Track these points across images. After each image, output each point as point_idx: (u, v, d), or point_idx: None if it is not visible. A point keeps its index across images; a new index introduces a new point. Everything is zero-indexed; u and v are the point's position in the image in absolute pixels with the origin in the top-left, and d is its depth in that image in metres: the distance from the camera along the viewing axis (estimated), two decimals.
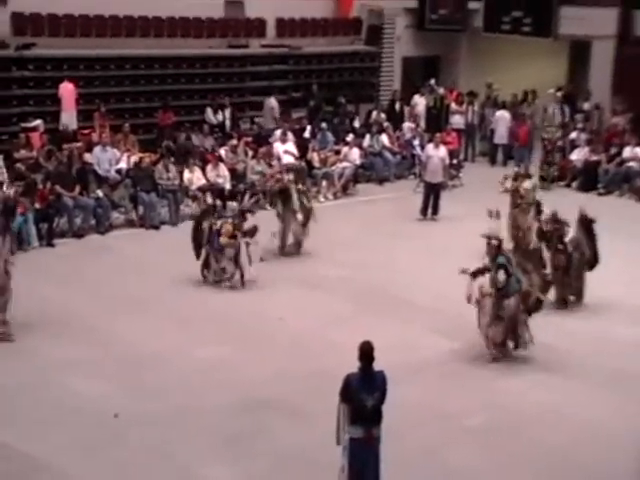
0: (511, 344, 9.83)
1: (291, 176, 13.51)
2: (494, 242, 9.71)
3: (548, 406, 8.78)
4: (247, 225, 11.96)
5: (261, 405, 8.61)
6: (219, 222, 11.89)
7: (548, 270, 9.96)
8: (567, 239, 11.19)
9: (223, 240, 11.71)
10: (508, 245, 9.95)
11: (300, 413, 8.42)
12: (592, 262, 11.15)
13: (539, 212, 12.86)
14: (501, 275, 9.53)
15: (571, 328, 10.68)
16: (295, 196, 13.03)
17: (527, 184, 13.09)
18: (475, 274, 9.67)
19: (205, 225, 11.95)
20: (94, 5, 17.51)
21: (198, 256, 11.96)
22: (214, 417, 8.37)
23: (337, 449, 6.84)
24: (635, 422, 8.44)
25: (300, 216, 12.98)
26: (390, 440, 6.88)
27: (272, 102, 19.06)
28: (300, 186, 13.33)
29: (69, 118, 16.56)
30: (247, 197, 14.49)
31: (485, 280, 9.72)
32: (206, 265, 11.96)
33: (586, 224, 11.24)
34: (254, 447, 7.91)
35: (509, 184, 13.17)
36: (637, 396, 8.99)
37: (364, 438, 6.74)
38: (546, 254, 10.88)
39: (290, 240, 13.24)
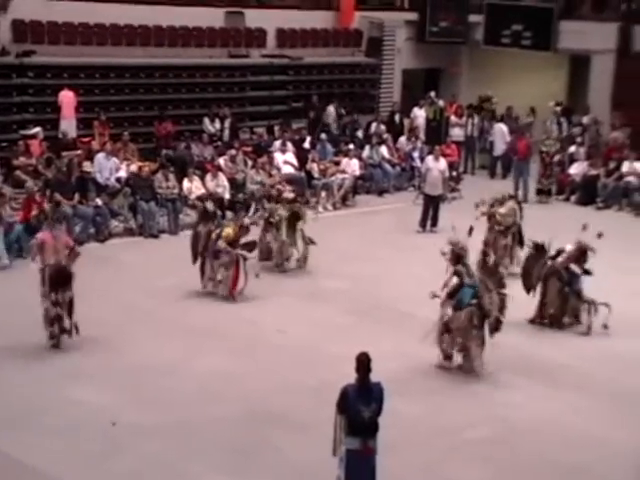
0: (459, 358, 9.79)
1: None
2: (456, 250, 9.73)
3: (547, 419, 8.76)
4: (245, 238, 11.90)
5: (263, 417, 8.58)
6: (219, 229, 11.82)
7: (506, 290, 9.94)
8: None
9: (221, 243, 11.63)
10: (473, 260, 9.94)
11: (302, 425, 8.38)
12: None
13: (520, 239, 12.89)
14: (454, 280, 9.61)
15: (570, 341, 10.70)
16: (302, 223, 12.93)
17: (503, 210, 12.99)
18: (451, 295, 9.68)
19: (202, 230, 11.86)
20: (94, 13, 17.57)
21: (194, 260, 11.90)
22: (215, 429, 8.33)
23: (335, 460, 6.81)
24: (636, 436, 8.41)
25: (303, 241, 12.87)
26: (387, 453, 6.86)
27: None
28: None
29: (68, 126, 16.57)
30: (252, 210, 14.08)
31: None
32: (202, 272, 11.89)
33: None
34: (256, 460, 7.87)
35: (485, 209, 13.08)
36: (637, 410, 8.97)
37: (360, 449, 6.71)
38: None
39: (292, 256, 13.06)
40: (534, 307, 11.24)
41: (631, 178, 17.53)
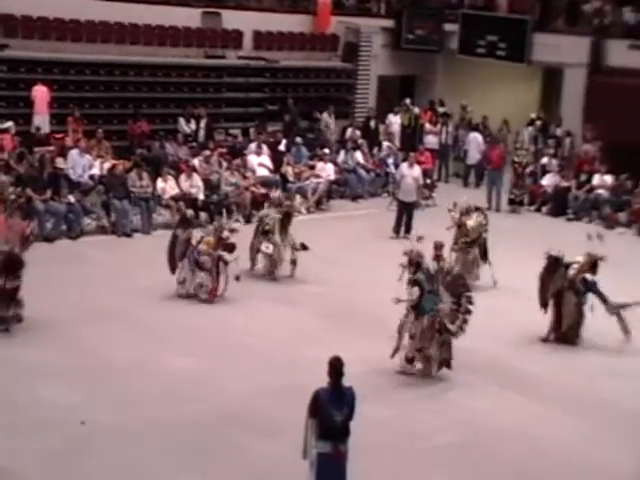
0: (418, 364, 9.85)
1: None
2: (413, 258, 9.76)
3: (516, 428, 8.82)
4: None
5: (232, 419, 8.54)
6: (198, 235, 11.71)
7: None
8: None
9: (203, 247, 11.52)
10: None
11: (272, 428, 8.36)
12: None
13: (485, 253, 12.92)
14: (415, 291, 9.62)
15: (544, 352, 10.76)
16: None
17: (471, 222, 12.96)
18: (414, 307, 9.68)
19: (181, 235, 11.75)
20: (69, 9, 17.45)
21: (173, 270, 11.72)
22: (183, 430, 8.27)
23: (305, 464, 6.81)
24: (602, 447, 8.51)
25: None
26: (358, 457, 6.86)
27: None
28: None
29: (42, 121, 16.44)
30: (225, 218, 12.88)
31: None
32: (182, 282, 11.68)
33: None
34: (224, 462, 7.83)
35: (456, 215, 13.05)
36: (605, 422, 9.05)
37: (332, 453, 6.71)
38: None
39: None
40: (538, 322, 10.96)
41: (601, 191, 17.76)
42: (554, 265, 11.02)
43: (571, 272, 10.99)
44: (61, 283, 11.92)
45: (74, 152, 15.29)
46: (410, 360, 9.84)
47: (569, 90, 20.80)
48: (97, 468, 7.59)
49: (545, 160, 19.00)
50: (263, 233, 12.78)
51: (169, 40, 19.01)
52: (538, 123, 20.07)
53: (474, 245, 12.96)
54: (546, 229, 16.77)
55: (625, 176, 17.63)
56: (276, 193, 14.05)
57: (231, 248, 11.75)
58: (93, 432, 8.09)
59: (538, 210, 18.27)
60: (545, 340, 11.06)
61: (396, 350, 9.80)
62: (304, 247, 12.81)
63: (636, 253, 11.23)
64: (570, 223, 17.47)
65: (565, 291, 10.99)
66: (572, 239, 11.62)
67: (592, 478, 7.87)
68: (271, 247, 12.65)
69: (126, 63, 18.09)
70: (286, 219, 12.85)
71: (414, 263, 9.82)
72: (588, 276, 10.94)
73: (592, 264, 10.95)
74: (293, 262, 12.79)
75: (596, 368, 10.37)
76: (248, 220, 14.90)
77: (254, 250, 12.88)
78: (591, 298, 10.94)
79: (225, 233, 11.62)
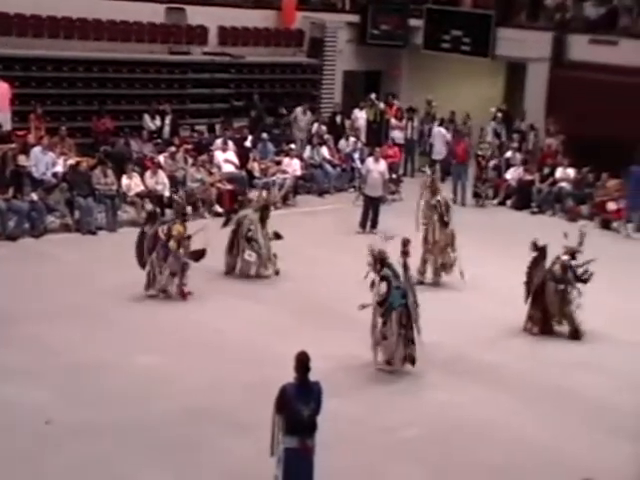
0: (397, 364, 9.87)
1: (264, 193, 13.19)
2: (377, 255, 9.79)
3: (483, 419, 8.91)
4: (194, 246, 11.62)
5: (201, 416, 8.54)
6: (165, 227, 11.59)
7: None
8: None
9: (172, 244, 11.44)
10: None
11: (240, 424, 8.37)
12: None
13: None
14: (382, 287, 9.67)
15: (510, 346, 10.83)
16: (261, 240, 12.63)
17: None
18: (381, 303, 9.73)
19: (149, 231, 11.63)
20: (31, 4, 17.23)
21: (143, 266, 11.59)
22: (153, 427, 8.26)
23: (272, 460, 6.83)
24: (568, 438, 8.61)
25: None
26: (325, 452, 6.89)
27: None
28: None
29: (3, 118, 16.19)
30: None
31: None
32: (150, 280, 11.54)
33: None
34: (193, 459, 7.83)
35: (428, 180, 13.04)
36: (571, 413, 9.17)
37: (299, 448, 6.74)
38: None
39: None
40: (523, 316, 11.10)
41: (564, 184, 17.97)
42: (541, 255, 11.11)
43: (550, 264, 11.11)
44: (24, 282, 11.81)
45: (37, 149, 15.13)
46: (388, 362, 9.89)
47: (532, 84, 20.99)
48: (65, 468, 7.55)
49: (509, 154, 19.16)
50: (247, 240, 12.60)
51: (133, 36, 18.86)
52: (499, 115, 20.19)
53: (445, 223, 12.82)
54: (511, 223, 16.96)
55: (587, 169, 17.85)
56: (256, 193, 13.79)
57: (199, 255, 11.68)
58: (62, 430, 8.05)
59: (502, 203, 18.44)
60: (528, 331, 11.12)
61: (376, 352, 9.83)
62: (278, 236, 12.79)
63: (598, 245, 11.39)
64: (534, 216, 17.66)
65: (547, 282, 11.09)
66: (536, 233, 11.69)
67: (556, 469, 7.96)
68: (254, 256, 12.54)
69: (90, 59, 17.91)
70: (265, 213, 12.77)
71: (378, 260, 9.86)
72: (564, 257, 10.98)
73: (570, 255, 11.05)
74: (276, 273, 12.71)
75: (564, 360, 10.46)
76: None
77: (233, 255, 12.68)
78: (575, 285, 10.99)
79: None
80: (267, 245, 12.68)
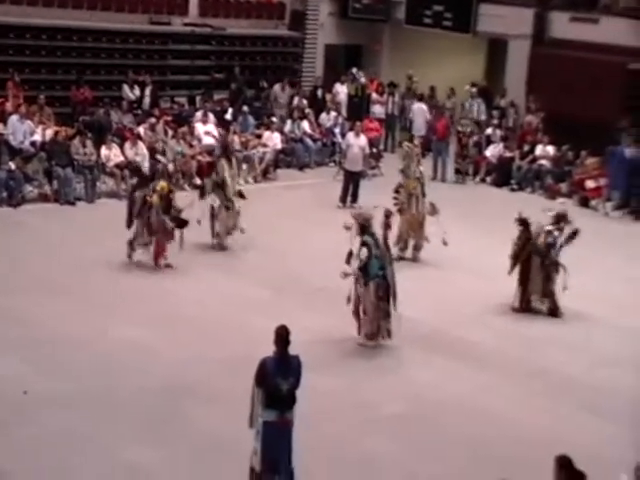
0: (380, 339, 9.90)
1: (223, 161, 13.02)
2: (360, 221, 9.80)
3: (461, 396, 8.97)
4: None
5: (179, 389, 8.55)
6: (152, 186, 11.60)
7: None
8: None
9: (155, 199, 11.39)
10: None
11: (219, 398, 8.39)
12: None
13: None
14: (363, 252, 9.67)
15: (488, 323, 10.88)
16: (230, 184, 12.61)
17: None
18: (362, 269, 9.70)
19: (138, 195, 11.62)
20: None
21: (129, 225, 11.60)
22: (132, 400, 8.26)
23: (251, 432, 6.86)
24: (544, 415, 8.69)
25: (238, 205, 12.62)
26: (305, 426, 6.93)
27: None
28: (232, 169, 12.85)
29: None
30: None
31: None
32: (132, 244, 11.61)
33: None
34: (171, 432, 7.85)
35: (417, 149, 13.13)
36: (547, 390, 9.26)
37: (278, 422, 6.78)
38: None
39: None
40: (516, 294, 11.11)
41: (544, 161, 18.04)
42: (526, 229, 11.10)
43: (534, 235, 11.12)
44: (2, 252, 11.70)
45: (14, 118, 14.96)
46: (371, 337, 9.91)
47: (513, 61, 20.96)
48: (46, 437, 7.55)
49: (489, 131, 19.17)
50: (216, 186, 12.59)
51: (113, 5, 18.63)
52: (473, 90, 20.06)
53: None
54: (490, 200, 17.02)
55: (566, 147, 17.90)
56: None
57: (182, 223, 11.64)
58: (40, 402, 8.03)
59: (483, 180, 18.49)
60: (516, 310, 11.13)
61: (359, 327, 9.88)
62: (241, 195, 12.76)
63: (576, 223, 11.47)
64: (513, 193, 17.73)
65: (532, 255, 11.09)
66: (516, 210, 11.73)
67: (534, 446, 8.01)
68: (217, 200, 12.54)
69: (69, 28, 17.70)
70: (227, 156, 12.76)
71: (360, 226, 9.85)
72: (549, 227, 10.99)
73: (559, 219, 11.06)
74: (241, 231, 12.66)
75: (540, 337, 10.55)
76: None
77: (213, 216, 12.63)
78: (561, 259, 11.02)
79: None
80: (233, 185, 12.67)
